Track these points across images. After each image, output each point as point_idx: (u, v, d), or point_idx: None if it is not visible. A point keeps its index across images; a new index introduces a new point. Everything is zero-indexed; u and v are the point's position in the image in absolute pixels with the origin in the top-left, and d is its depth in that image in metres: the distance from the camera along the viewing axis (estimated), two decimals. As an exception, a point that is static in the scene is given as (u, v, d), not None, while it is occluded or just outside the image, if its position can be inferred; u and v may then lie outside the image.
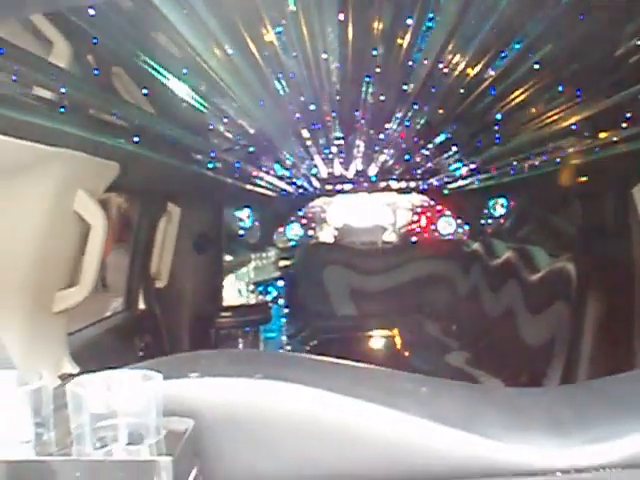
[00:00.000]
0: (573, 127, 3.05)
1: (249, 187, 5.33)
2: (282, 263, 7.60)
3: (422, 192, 7.77)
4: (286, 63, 2.42)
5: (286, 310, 7.24)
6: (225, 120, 3.24)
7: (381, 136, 4.15)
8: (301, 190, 7.19)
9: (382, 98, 3.06)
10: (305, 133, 3.91)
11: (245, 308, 5.58)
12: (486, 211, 7.27)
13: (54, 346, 2.21)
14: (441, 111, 3.30)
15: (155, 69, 2.23)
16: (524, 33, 2.12)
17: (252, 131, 3.58)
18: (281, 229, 8.15)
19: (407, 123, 3.63)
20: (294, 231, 8.29)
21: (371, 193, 7.78)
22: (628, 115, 2.72)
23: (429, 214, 8.37)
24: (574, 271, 4.13)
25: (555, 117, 3.05)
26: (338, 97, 3.06)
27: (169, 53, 2.22)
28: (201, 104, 2.76)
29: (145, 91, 2.64)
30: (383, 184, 7.28)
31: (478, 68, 2.50)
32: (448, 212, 8.22)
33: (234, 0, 1.87)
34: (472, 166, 5.27)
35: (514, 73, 2.53)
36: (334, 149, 4.80)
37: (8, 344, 1.79)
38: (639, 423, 0.95)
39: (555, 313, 4.37)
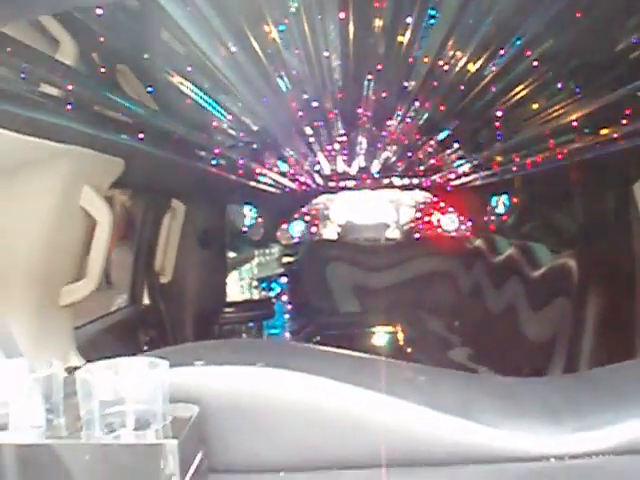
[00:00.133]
0: (574, 123, 3.06)
1: (252, 184, 5.34)
2: (285, 260, 7.61)
3: (425, 189, 7.78)
4: (288, 61, 2.44)
5: (289, 306, 7.26)
6: (229, 117, 3.27)
7: (383, 133, 4.17)
8: (304, 187, 7.20)
9: (384, 95, 3.08)
10: (308, 130, 3.93)
11: (248, 303, 5.60)
12: (489, 208, 7.27)
13: (61, 339, 2.24)
14: (442, 108, 3.32)
15: (159, 66, 2.26)
16: (525, 29, 2.13)
17: (256, 128, 3.61)
18: (284, 226, 8.16)
19: (409, 120, 3.65)
20: (297, 228, 8.30)
21: (374, 190, 7.79)
22: (629, 111, 2.73)
23: (432, 211, 8.38)
24: (576, 267, 4.14)
25: (555, 113, 3.07)
26: (340, 94, 3.08)
27: (173, 51, 2.24)
28: (205, 101, 2.78)
29: (149, 88, 2.67)
30: (386, 181, 7.29)
31: (479, 64, 2.51)
32: (451, 209, 8.23)
33: (237, -2, 1.90)
34: (474, 163, 5.28)
35: (515, 69, 2.54)
36: (337, 146, 4.82)
37: (16, 337, 1.82)
38: (633, 410, 0.96)
39: (557, 309, 4.38)
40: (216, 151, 3.67)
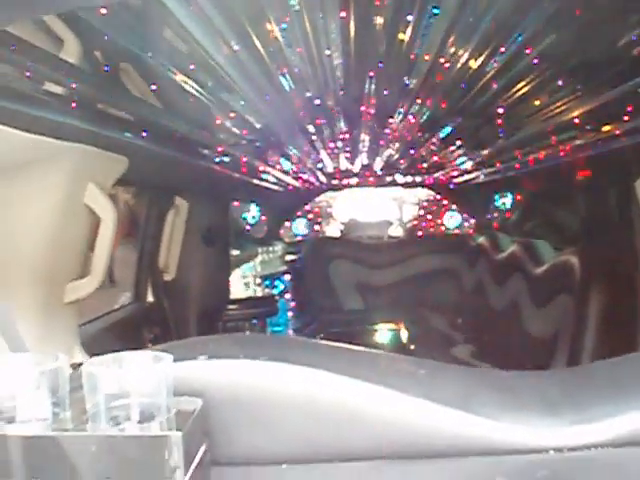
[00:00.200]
0: (576, 120, 3.07)
1: (256, 182, 5.36)
2: (289, 257, 7.63)
3: (428, 186, 7.79)
4: (291, 59, 2.46)
5: (293, 304, 7.27)
6: (232, 115, 3.28)
7: (385, 130, 4.18)
8: (307, 185, 7.21)
9: (385, 93, 3.09)
10: (310, 128, 3.94)
11: (252, 300, 5.62)
12: (492, 205, 7.28)
13: (66, 335, 2.26)
14: (444, 105, 3.33)
15: (162, 65, 2.27)
16: (525, 26, 2.14)
17: (259, 126, 3.62)
18: (288, 223, 8.17)
19: (411, 117, 3.66)
20: (301, 226, 8.31)
21: (377, 188, 7.79)
22: (630, 108, 2.73)
23: (435, 208, 8.38)
24: (578, 264, 4.14)
25: (557, 110, 3.07)
26: (342, 92, 3.10)
27: (176, 49, 2.26)
28: (208, 99, 2.80)
29: (153, 87, 2.68)
30: (389, 179, 7.29)
31: (480, 61, 2.52)
32: (454, 206, 8.23)
33: (239, -3, 1.91)
34: (477, 160, 5.29)
35: (516, 66, 2.55)
36: (339, 143, 4.83)
37: (21, 334, 1.84)
38: (633, 402, 0.97)
39: (559, 306, 4.39)
40: (219, 149, 3.68)
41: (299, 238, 8.24)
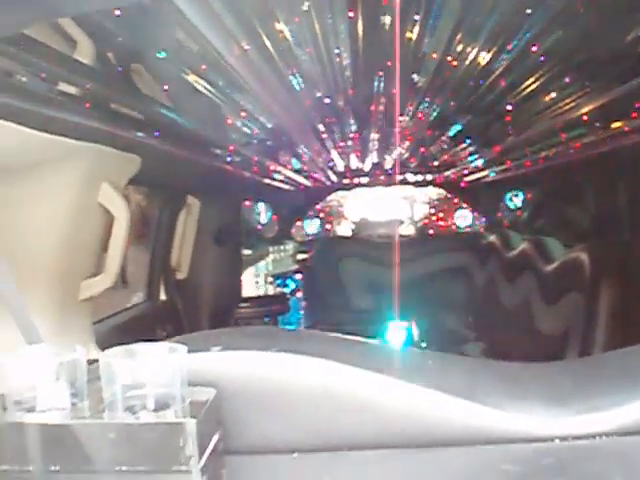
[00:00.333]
0: (584, 117, 3.07)
1: (267, 181, 5.37)
2: (300, 256, 7.65)
3: (438, 185, 7.79)
4: (300, 59, 2.48)
5: (304, 302, 7.29)
6: (243, 115, 3.30)
7: (395, 129, 4.19)
8: (318, 184, 7.23)
9: (394, 91, 3.11)
10: (321, 127, 3.96)
11: (263, 299, 5.65)
12: (502, 203, 7.26)
13: (81, 332, 2.29)
14: (453, 103, 3.34)
15: (174, 65, 2.30)
16: (532, 22, 2.14)
17: (270, 125, 3.64)
18: (299, 223, 8.19)
19: (420, 116, 3.67)
20: (312, 225, 8.32)
21: (388, 186, 7.80)
22: (639, 104, 2.72)
23: (446, 207, 8.37)
24: (588, 261, 4.13)
25: (566, 107, 3.07)
26: (351, 91, 3.11)
27: (188, 49, 2.28)
28: (219, 99, 2.82)
29: (165, 87, 2.71)
30: (400, 177, 7.29)
31: (488, 58, 2.53)
32: (465, 205, 8.22)
33: (250, -2, 1.93)
34: (487, 158, 5.29)
35: (524, 63, 2.56)
36: (350, 143, 4.84)
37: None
38: (637, 392, 0.98)
39: (570, 303, 4.38)
40: (231, 148, 3.71)
41: (310, 237, 8.25)
